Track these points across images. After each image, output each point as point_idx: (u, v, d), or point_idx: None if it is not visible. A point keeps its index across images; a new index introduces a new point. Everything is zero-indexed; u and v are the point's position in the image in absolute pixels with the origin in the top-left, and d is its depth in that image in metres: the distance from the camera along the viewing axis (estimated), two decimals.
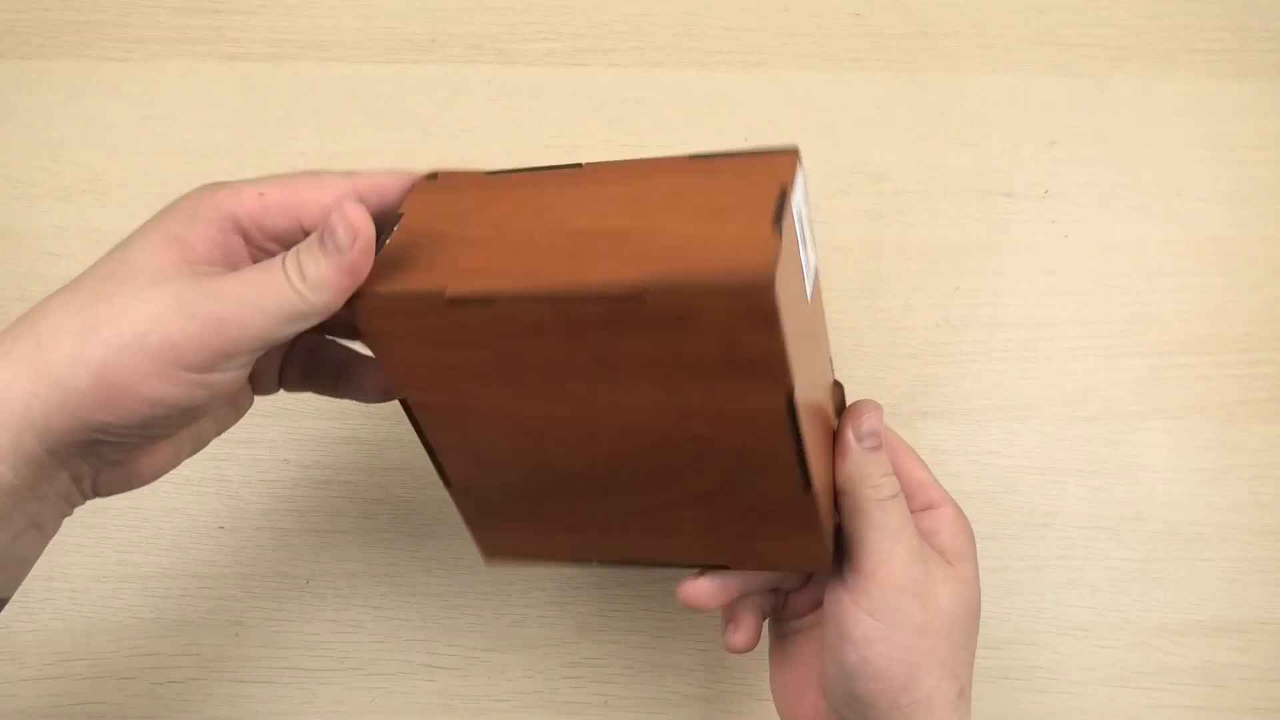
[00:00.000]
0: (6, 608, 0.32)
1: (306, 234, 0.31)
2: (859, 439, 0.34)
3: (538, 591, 0.49)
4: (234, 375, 0.29)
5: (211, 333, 0.28)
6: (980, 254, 0.55)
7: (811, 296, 0.32)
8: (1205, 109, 0.58)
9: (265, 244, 0.31)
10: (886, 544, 0.33)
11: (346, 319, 0.30)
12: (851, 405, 0.35)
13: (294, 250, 0.29)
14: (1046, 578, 0.50)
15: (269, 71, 0.56)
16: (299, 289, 0.28)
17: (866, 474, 0.33)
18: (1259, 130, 0.58)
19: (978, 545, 0.50)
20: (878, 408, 0.35)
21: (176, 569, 0.48)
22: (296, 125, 0.56)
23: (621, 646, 0.48)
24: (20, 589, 0.43)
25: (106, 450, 0.30)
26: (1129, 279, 0.55)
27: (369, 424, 0.51)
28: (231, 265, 0.30)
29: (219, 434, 0.35)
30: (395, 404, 0.51)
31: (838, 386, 0.38)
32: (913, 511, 0.35)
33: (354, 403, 0.50)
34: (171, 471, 0.37)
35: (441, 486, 0.39)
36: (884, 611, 0.33)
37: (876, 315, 0.54)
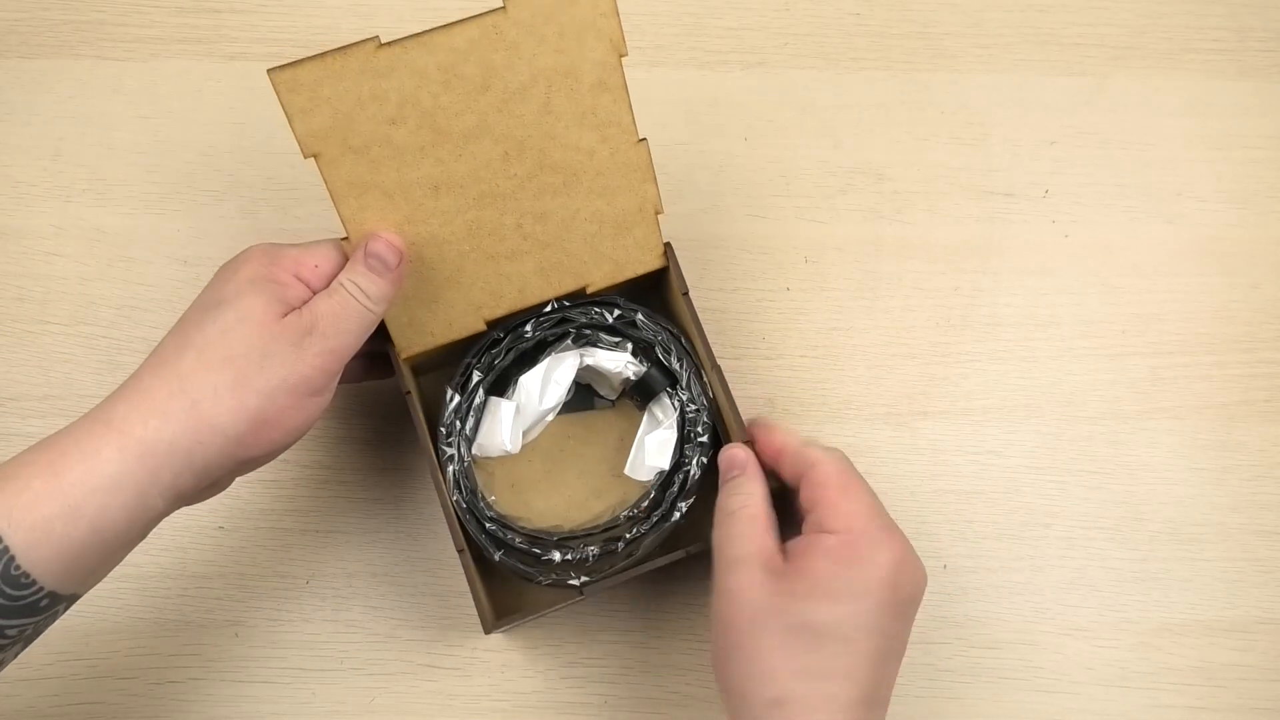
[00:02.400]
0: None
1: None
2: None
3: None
4: (333, 390, 0.39)
5: (329, 359, 0.37)
6: (980, 254, 0.55)
7: None
8: (1205, 109, 0.58)
9: (307, 289, 0.39)
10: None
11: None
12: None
13: (347, 280, 0.38)
14: (1046, 578, 0.50)
15: None
16: (368, 306, 0.38)
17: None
18: (1259, 130, 0.58)
19: (977, 545, 0.51)
20: (737, 449, 0.42)
21: (176, 569, 0.48)
22: None
23: (621, 646, 0.48)
24: None
25: (235, 476, 0.38)
26: (1129, 279, 0.55)
27: (369, 424, 0.51)
28: (302, 301, 0.38)
29: None
30: (393, 405, 0.51)
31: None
32: (814, 532, 0.38)
33: (353, 403, 0.50)
34: None
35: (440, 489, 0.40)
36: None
37: (876, 315, 0.54)
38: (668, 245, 0.45)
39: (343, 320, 0.38)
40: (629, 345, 0.46)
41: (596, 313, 0.45)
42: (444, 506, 0.42)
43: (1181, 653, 0.49)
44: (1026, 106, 0.58)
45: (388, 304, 0.40)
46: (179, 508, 0.37)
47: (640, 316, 0.45)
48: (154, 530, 0.48)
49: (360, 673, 0.47)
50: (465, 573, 0.42)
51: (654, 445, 0.45)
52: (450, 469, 0.43)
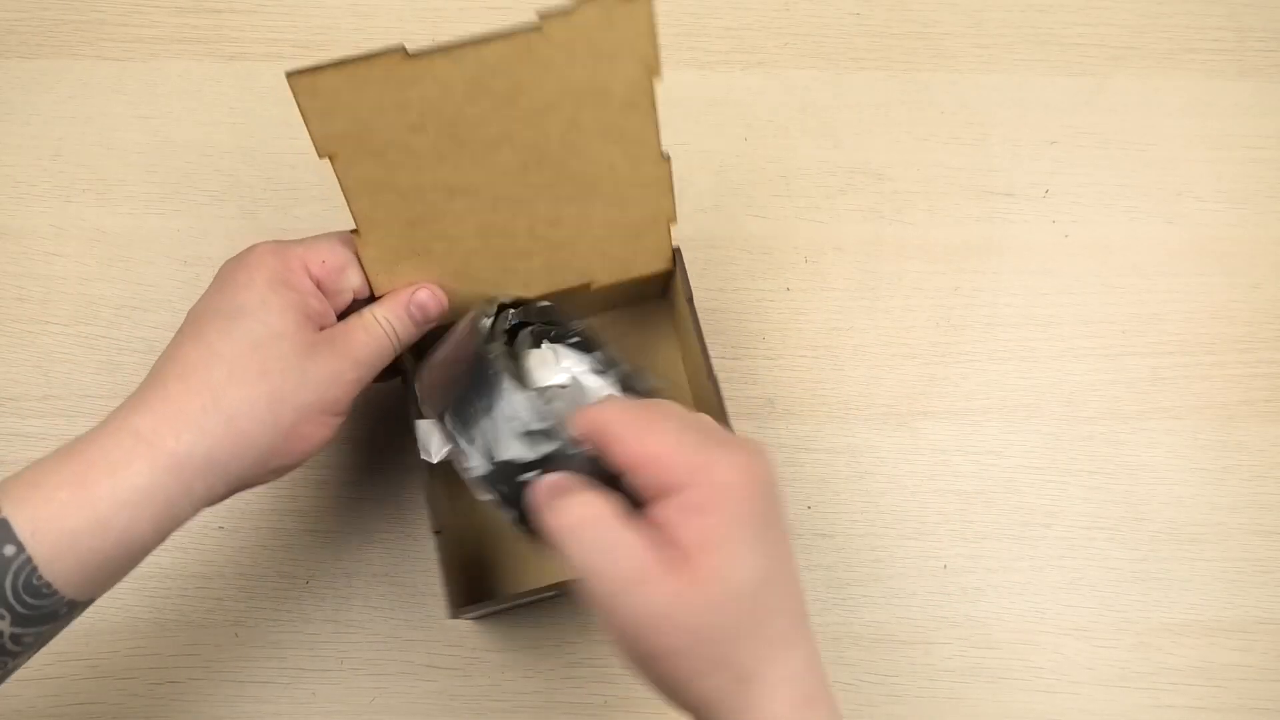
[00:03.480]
0: None
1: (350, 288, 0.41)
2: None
3: None
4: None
5: (356, 387, 0.39)
6: (980, 254, 0.55)
7: None
8: (1205, 109, 0.58)
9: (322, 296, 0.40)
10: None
11: None
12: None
13: (383, 319, 0.40)
14: (1046, 578, 0.50)
15: (269, 71, 0.56)
16: (395, 345, 0.41)
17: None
18: (1259, 130, 0.58)
19: (978, 545, 0.51)
20: (542, 481, 0.34)
21: (176, 569, 0.48)
22: (296, 125, 0.55)
23: None
24: None
25: (259, 481, 0.38)
26: (1129, 279, 0.55)
27: (369, 424, 0.51)
28: (320, 313, 0.39)
29: None
30: (395, 405, 0.51)
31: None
32: (648, 500, 0.32)
33: (354, 404, 0.50)
34: None
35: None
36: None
37: (876, 315, 0.54)
38: (676, 250, 0.45)
39: (375, 354, 0.40)
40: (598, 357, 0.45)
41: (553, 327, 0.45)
42: (426, 488, 0.42)
43: (1181, 653, 0.49)
44: (1026, 106, 0.58)
45: (410, 345, 0.42)
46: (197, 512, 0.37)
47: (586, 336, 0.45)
48: None
49: (360, 673, 0.47)
50: (439, 554, 0.42)
51: None
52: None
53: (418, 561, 0.49)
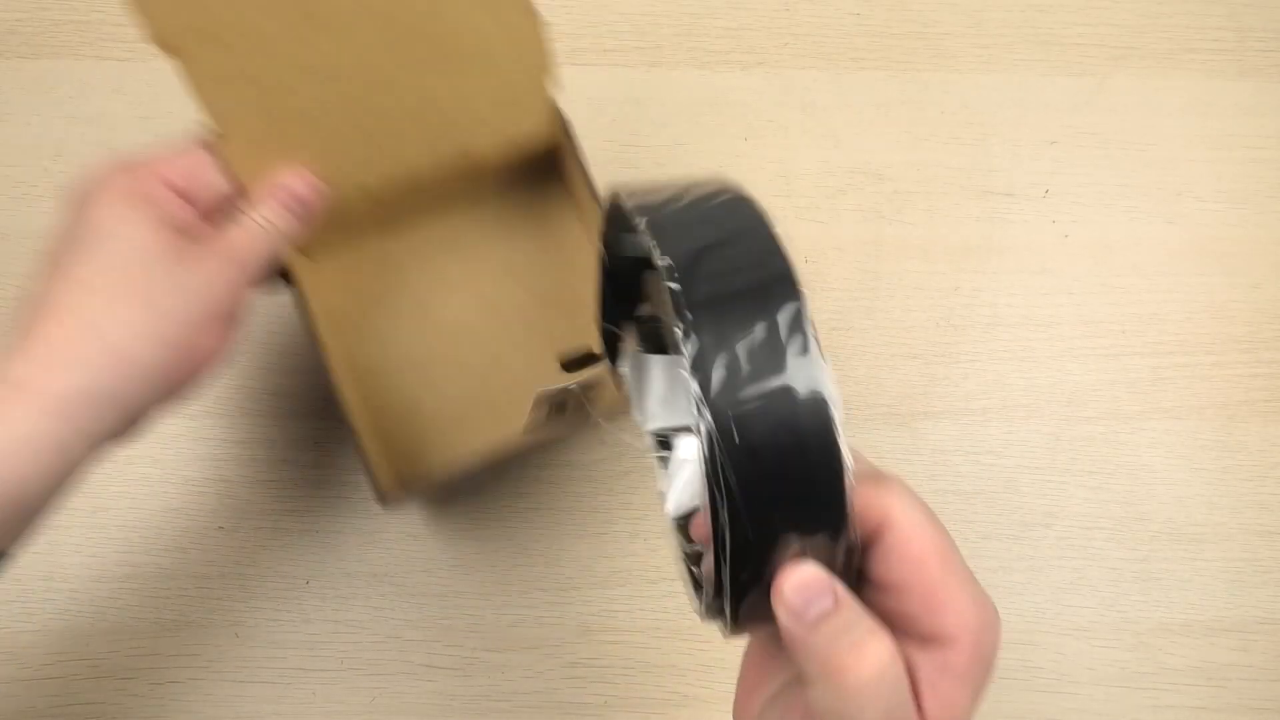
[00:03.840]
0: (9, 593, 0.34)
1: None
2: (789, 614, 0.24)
3: (538, 592, 0.49)
4: (245, 314, 0.38)
5: (238, 288, 0.37)
6: (980, 254, 0.55)
7: None
8: (1205, 109, 0.58)
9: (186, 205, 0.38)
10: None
11: None
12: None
13: (260, 218, 0.38)
14: (1046, 578, 0.50)
15: None
16: (274, 239, 0.39)
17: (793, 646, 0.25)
18: (1259, 130, 0.58)
19: (978, 545, 0.51)
20: (806, 574, 0.23)
21: (176, 569, 0.48)
22: None
23: (621, 646, 0.48)
24: (20, 589, 0.44)
25: (156, 411, 0.36)
26: (1129, 279, 0.55)
27: None
28: (188, 223, 0.37)
29: None
30: None
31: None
32: (917, 639, 0.26)
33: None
34: (171, 471, 0.46)
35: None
36: None
37: (876, 315, 0.54)
38: (566, 120, 0.43)
39: (253, 251, 0.38)
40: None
41: None
42: (360, 453, 0.42)
43: (1181, 653, 0.49)
44: (1026, 106, 0.58)
45: (294, 239, 0.40)
46: (102, 449, 0.35)
47: None
48: (154, 530, 0.49)
49: (360, 673, 0.47)
50: (356, 447, 0.40)
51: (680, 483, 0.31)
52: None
53: (418, 562, 0.49)
